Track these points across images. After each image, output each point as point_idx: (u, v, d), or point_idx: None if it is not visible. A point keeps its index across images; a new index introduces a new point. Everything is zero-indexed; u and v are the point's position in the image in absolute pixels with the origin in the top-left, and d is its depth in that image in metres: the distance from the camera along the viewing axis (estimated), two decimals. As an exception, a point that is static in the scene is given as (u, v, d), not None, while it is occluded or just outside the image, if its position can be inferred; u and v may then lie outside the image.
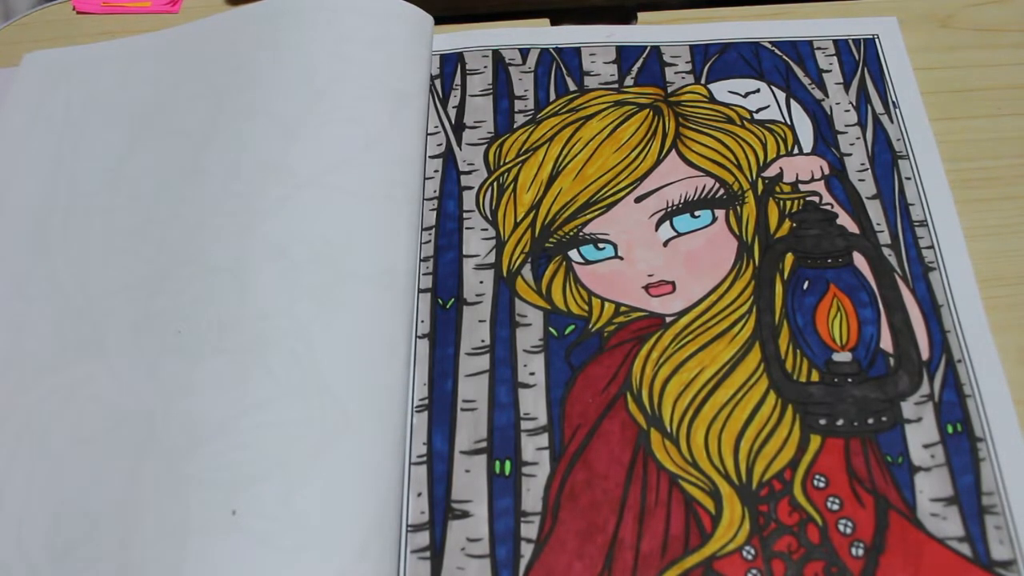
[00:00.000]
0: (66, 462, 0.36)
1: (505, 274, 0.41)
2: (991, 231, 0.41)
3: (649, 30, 0.49)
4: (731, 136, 0.44)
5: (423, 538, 0.35)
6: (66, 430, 0.36)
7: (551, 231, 0.42)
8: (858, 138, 0.44)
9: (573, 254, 0.41)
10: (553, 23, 0.50)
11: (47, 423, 0.37)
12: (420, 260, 0.41)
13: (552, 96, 0.46)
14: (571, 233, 0.42)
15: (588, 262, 0.41)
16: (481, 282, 0.41)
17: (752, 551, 0.34)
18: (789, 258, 0.40)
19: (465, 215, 0.43)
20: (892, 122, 0.45)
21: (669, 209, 0.42)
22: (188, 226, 0.41)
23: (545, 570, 0.34)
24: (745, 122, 0.45)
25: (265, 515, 0.33)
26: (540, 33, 0.49)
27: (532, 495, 0.35)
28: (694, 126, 0.45)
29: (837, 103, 0.45)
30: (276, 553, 0.32)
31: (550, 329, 0.39)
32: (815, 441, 0.36)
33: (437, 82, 0.47)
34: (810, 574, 0.33)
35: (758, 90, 0.46)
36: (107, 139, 0.45)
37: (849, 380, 0.37)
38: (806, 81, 0.46)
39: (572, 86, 0.47)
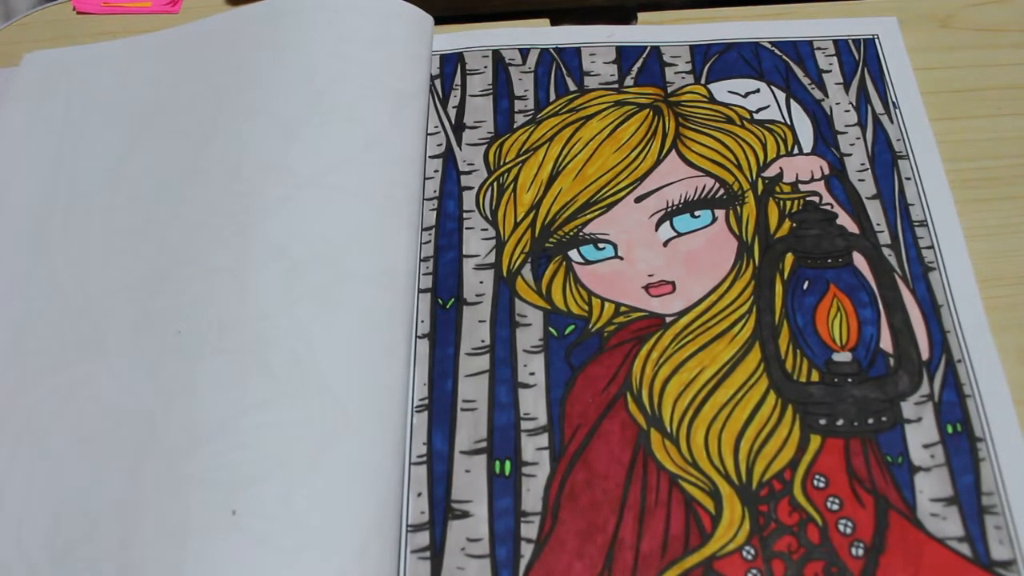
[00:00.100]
0: (66, 462, 0.36)
1: (505, 274, 0.41)
2: (991, 231, 0.41)
3: (649, 30, 0.49)
4: (731, 136, 0.44)
5: (423, 538, 0.35)
6: (66, 430, 0.36)
7: (551, 231, 0.42)
8: (858, 138, 0.44)
9: (573, 254, 0.41)
10: (553, 23, 0.50)
11: (47, 423, 0.37)
12: (420, 260, 0.41)
13: (552, 96, 0.46)
14: (571, 233, 0.42)
15: (588, 262, 0.41)
16: (481, 282, 0.41)
17: (752, 551, 0.34)
18: (789, 258, 0.40)
19: (465, 215, 0.43)
20: (892, 122, 0.45)
21: (669, 209, 0.42)
22: (188, 226, 0.41)
23: (545, 570, 0.34)
24: (745, 122, 0.45)
25: (265, 515, 0.33)
26: (540, 33, 0.49)
27: (532, 495, 0.35)
28: (694, 126, 0.45)
29: (837, 103, 0.45)
30: (276, 553, 0.32)
31: (550, 329, 0.39)
32: (815, 441, 0.36)
33: (437, 82, 0.47)
34: (810, 574, 0.33)
35: (758, 90, 0.46)
36: (107, 139, 0.45)
37: (849, 380, 0.37)
38: (806, 81, 0.46)
39: (572, 86, 0.47)
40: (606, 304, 0.40)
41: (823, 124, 0.45)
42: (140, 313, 0.39)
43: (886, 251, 0.40)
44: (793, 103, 0.45)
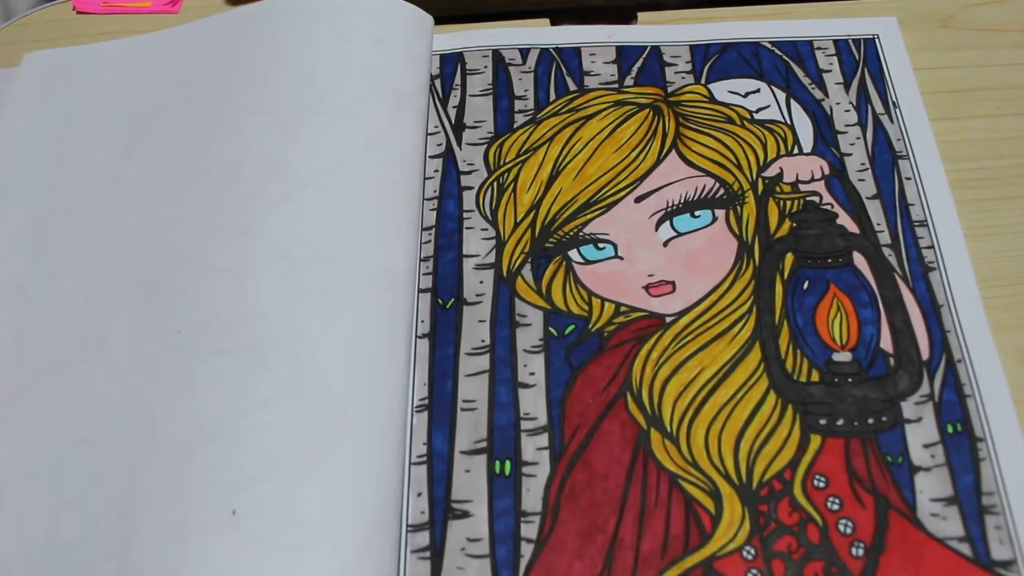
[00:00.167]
0: (66, 462, 0.36)
1: (505, 274, 0.41)
2: (991, 231, 0.41)
3: (649, 30, 0.49)
4: (731, 136, 0.44)
5: (423, 538, 0.35)
6: (66, 430, 0.36)
7: (551, 231, 0.42)
8: (858, 138, 0.44)
9: (573, 254, 0.41)
10: (553, 23, 0.50)
11: (47, 423, 0.37)
12: (420, 260, 0.41)
13: (552, 96, 0.46)
14: (571, 233, 0.42)
15: (588, 262, 0.41)
16: (481, 282, 0.41)
17: (752, 551, 0.34)
18: (789, 258, 0.40)
19: (465, 215, 0.43)
20: (892, 122, 0.45)
21: (669, 209, 0.42)
22: (188, 226, 0.41)
23: (545, 570, 0.34)
24: (745, 122, 0.45)
25: (265, 515, 0.33)
26: (540, 33, 0.49)
27: (532, 495, 0.35)
28: (694, 126, 0.45)
29: (837, 103, 0.45)
30: (276, 553, 0.32)
31: (550, 329, 0.39)
32: (815, 441, 0.36)
33: (437, 82, 0.47)
34: (810, 574, 0.33)
35: (758, 90, 0.46)
36: (107, 139, 0.45)
37: (849, 380, 0.37)
38: (806, 81, 0.46)
39: (572, 86, 0.47)
40: (606, 304, 0.40)
41: (823, 124, 0.45)
42: (140, 313, 0.39)
43: (886, 251, 0.40)
44: (793, 103, 0.45)
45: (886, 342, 0.38)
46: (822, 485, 0.35)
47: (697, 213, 0.42)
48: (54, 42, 0.50)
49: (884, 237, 0.41)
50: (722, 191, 0.43)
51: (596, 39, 0.48)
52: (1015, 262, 0.40)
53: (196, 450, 0.35)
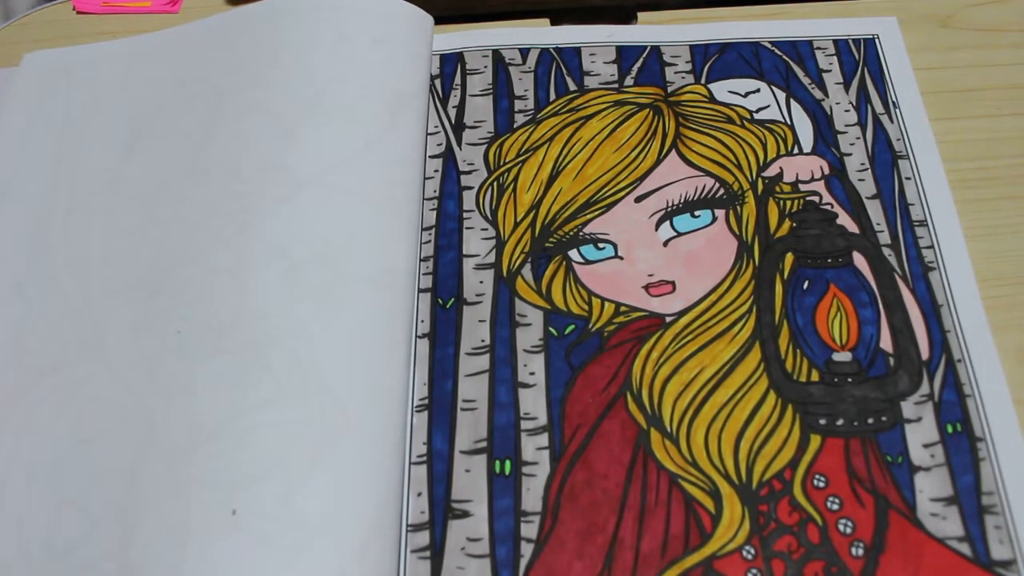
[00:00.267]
0: (66, 462, 0.36)
1: (505, 274, 0.41)
2: (991, 231, 0.41)
3: (649, 30, 0.49)
4: (731, 136, 0.44)
5: (423, 538, 0.35)
6: (66, 430, 0.36)
7: (551, 231, 0.42)
8: (858, 138, 0.44)
9: (573, 254, 0.41)
10: (553, 23, 0.50)
11: (47, 423, 0.37)
12: (420, 260, 0.41)
13: (552, 96, 0.46)
14: (571, 233, 0.42)
15: (588, 262, 0.41)
16: (481, 282, 0.41)
17: (752, 551, 0.34)
18: (789, 258, 0.40)
19: (465, 215, 0.43)
20: (892, 122, 0.45)
21: (669, 209, 0.42)
22: (188, 226, 0.41)
23: (545, 570, 0.34)
24: (745, 122, 0.45)
25: (265, 515, 0.33)
26: (540, 33, 0.49)
27: (532, 495, 0.35)
28: (694, 126, 0.45)
29: (837, 103, 0.45)
30: (276, 553, 0.32)
31: (550, 329, 0.39)
32: (815, 441, 0.36)
33: (437, 82, 0.47)
34: (810, 574, 0.33)
35: (758, 90, 0.46)
36: (107, 139, 0.45)
37: (849, 380, 0.37)
38: (806, 81, 0.46)
39: (572, 86, 0.47)
40: (606, 304, 0.40)
41: (823, 124, 0.45)
42: (140, 313, 0.39)
43: (886, 251, 0.40)
44: (793, 103, 0.45)
45: (886, 342, 0.38)
46: (822, 485, 0.35)
47: (697, 213, 0.42)
48: (54, 42, 0.50)
49: (884, 237, 0.41)
50: (722, 191, 0.43)
51: (596, 39, 0.48)
52: (1015, 262, 0.40)
53: (196, 450, 0.35)
